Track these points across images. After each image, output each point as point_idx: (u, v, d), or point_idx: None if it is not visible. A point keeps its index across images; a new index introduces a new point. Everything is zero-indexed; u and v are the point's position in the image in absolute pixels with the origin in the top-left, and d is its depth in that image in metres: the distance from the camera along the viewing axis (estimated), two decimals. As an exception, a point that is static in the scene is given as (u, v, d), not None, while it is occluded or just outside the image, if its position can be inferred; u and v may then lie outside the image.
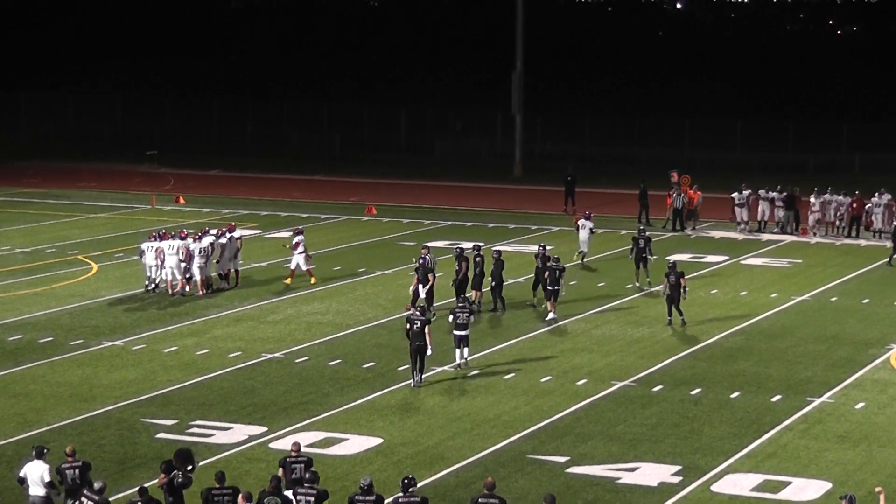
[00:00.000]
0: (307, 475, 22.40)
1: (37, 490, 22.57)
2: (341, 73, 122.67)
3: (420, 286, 38.58)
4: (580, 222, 48.36)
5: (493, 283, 40.16)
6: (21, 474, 22.80)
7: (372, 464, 26.87)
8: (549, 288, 39.05)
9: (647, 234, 44.98)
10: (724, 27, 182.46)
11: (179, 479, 21.81)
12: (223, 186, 68.75)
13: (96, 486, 21.54)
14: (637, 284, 43.55)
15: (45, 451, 22.90)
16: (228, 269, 43.37)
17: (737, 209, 55.51)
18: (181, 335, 37.25)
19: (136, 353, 35.26)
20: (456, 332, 33.58)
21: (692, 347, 36.48)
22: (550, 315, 39.05)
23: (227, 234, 43.38)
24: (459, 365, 33.63)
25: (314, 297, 42.34)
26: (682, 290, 38.23)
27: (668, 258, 41.05)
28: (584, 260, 48.13)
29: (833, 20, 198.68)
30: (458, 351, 33.70)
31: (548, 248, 41.85)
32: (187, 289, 42.17)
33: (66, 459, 22.67)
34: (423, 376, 32.56)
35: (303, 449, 27.53)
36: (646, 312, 40.43)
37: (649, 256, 43.75)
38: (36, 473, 22.56)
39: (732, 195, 55.66)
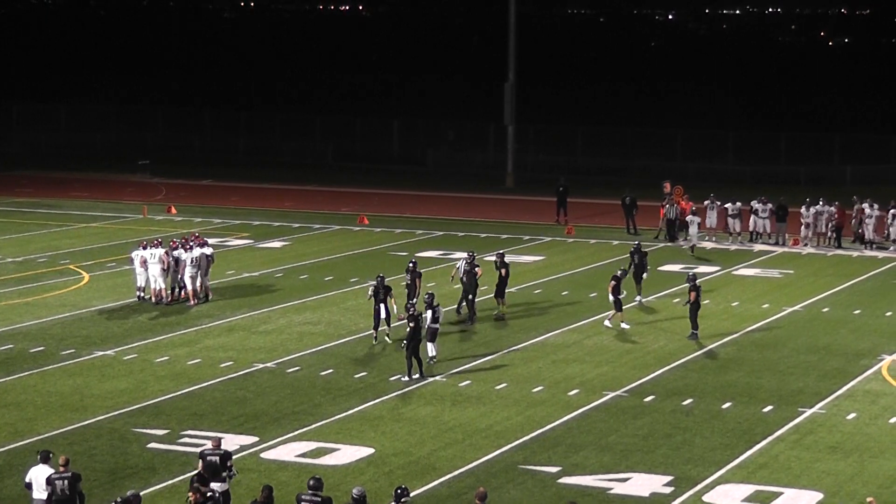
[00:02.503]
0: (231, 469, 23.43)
1: (41, 495, 22.69)
2: (334, 83, 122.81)
3: (382, 306, 37.23)
4: (688, 218, 53.45)
5: (469, 296, 40.03)
6: (27, 479, 22.96)
7: (363, 474, 26.85)
8: (613, 298, 39.45)
9: (644, 248, 44.63)
10: (717, 38, 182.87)
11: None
12: (215, 196, 68.73)
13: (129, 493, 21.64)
14: (638, 299, 43.27)
15: (50, 455, 23.09)
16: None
17: (729, 220, 55.47)
18: (173, 345, 37.21)
19: (128, 363, 35.22)
20: (431, 325, 34.54)
21: (684, 358, 36.48)
22: (621, 325, 39.51)
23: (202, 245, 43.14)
24: (431, 358, 34.78)
25: (306, 306, 42.33)
26: (688, 302, 38.32)
27: (689, 272, 41.06)
28: (694, 252, 52.00)
29: (825, 32, 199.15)
30: (430, 345, 34.64)
31: (506, 256, 42.15)
32: (169, 298, 42.11)
33: (57, 469, 22.69)
34: (416, 376, 33.43)
35: (293, 459, 27.60)
36: (638, 323, 40.41)
37: (646, 272, 43.38)
38: (42, 478, 22.71)
39: (726, 205, 55.54)
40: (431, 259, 50.69)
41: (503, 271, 40.96)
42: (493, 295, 41.31)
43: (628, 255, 44.29)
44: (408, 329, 33.70)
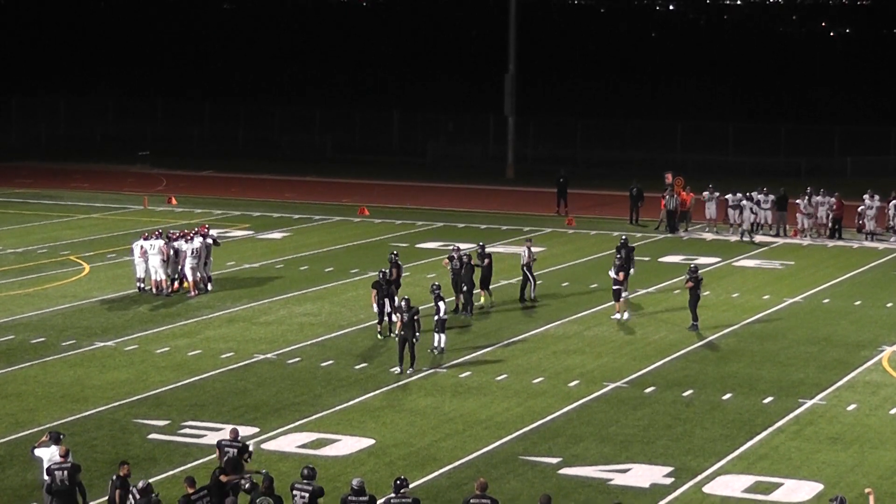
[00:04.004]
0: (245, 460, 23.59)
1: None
2: (333, 75, 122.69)
3: (387, 300, 36.93)
4: (743, 203, 53.80)
5: (465, 288, 39.97)
6: (37, 455, 23.38)
7: (364, 465, 26.86)
8: (615, 287, 39.49)
9: (630, 243, 44.22)
10: (717, 29, 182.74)
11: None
12: (215, 187, 68.73)
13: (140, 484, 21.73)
14: (625, 295, 42.93)
15: (62, 436, 23.35)
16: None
17: (730, 211, 55.38)
18: (173, 336, 37.22)
19: (128, 354, 35.23)
20: (439, 316, 34.88)
21: (684, 349, 36.48)
22: (624, 315, 39.53)
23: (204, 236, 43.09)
24: (436, 349, 35.03)
25: (306, 298, 42.33)
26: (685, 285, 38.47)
27: (691, 264, 41.02)
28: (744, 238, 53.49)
29: (826, 23, 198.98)
30: (440, 335, 34.98)
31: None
32: (170, 289, 42.11)
33: (56, 460, 22.75)
34: (410, 370, 33.37)
35: (293, 450, 27.62)
36: (638, 314, 40.40)
37: (632, 268, 42.67)
38: (54, 459, 22.98)
39: (727, 196, 55.48)
40: (432, 251, 50.68)
41: (486, 261, 41.01)
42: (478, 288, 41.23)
43: (615, 249, 43.72)
44: (399, 323, 33.53)
